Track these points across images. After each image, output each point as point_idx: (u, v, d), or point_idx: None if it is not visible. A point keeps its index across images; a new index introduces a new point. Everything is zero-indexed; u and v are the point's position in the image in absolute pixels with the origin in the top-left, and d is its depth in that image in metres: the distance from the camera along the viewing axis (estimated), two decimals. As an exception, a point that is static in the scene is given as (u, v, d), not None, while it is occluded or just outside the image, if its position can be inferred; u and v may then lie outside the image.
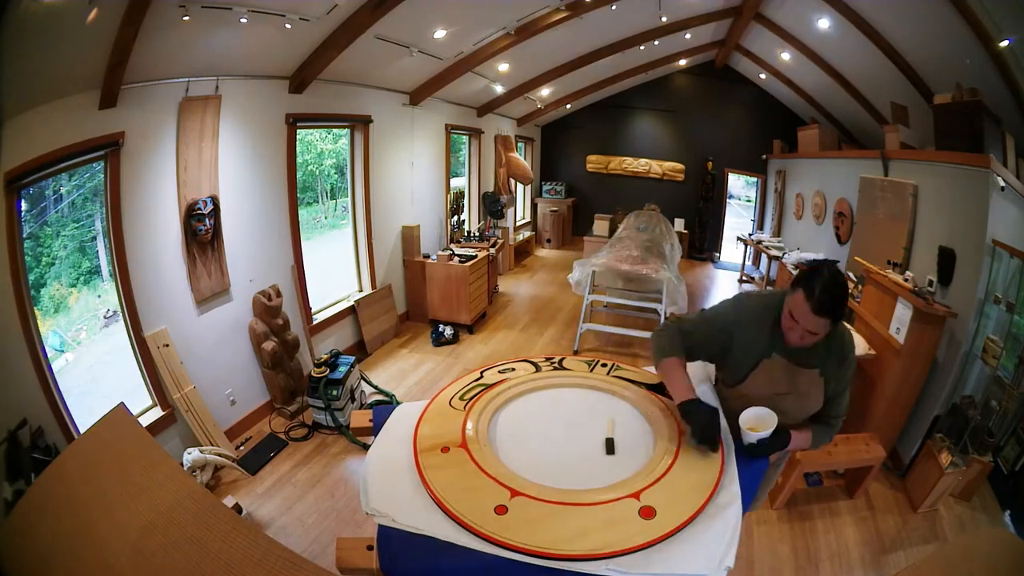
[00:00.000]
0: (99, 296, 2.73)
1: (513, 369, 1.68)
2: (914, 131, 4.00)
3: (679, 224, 8.18)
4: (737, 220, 10.21)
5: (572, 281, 4.86)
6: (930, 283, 3.00)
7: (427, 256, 5.16)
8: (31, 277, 2.26)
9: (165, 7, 2.14)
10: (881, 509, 2.75)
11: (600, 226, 8.02)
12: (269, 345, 3.29)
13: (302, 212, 3.93)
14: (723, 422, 1.37)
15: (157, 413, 2.72)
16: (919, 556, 2.43)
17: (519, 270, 7.71)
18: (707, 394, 1.49)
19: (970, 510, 2.75)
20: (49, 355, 2.24)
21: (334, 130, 5.65)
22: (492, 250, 5.80)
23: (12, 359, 2.02)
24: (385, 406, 1.53)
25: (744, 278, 7.48)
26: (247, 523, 1.17)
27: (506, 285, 6.82)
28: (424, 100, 4.99)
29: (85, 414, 2.25)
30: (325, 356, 3.42)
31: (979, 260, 2.73)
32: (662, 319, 4.52)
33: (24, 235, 2.18)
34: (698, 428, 1.27)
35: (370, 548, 1.05)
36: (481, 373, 1.67)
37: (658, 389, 1.55)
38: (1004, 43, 2.70)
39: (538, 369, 1.68)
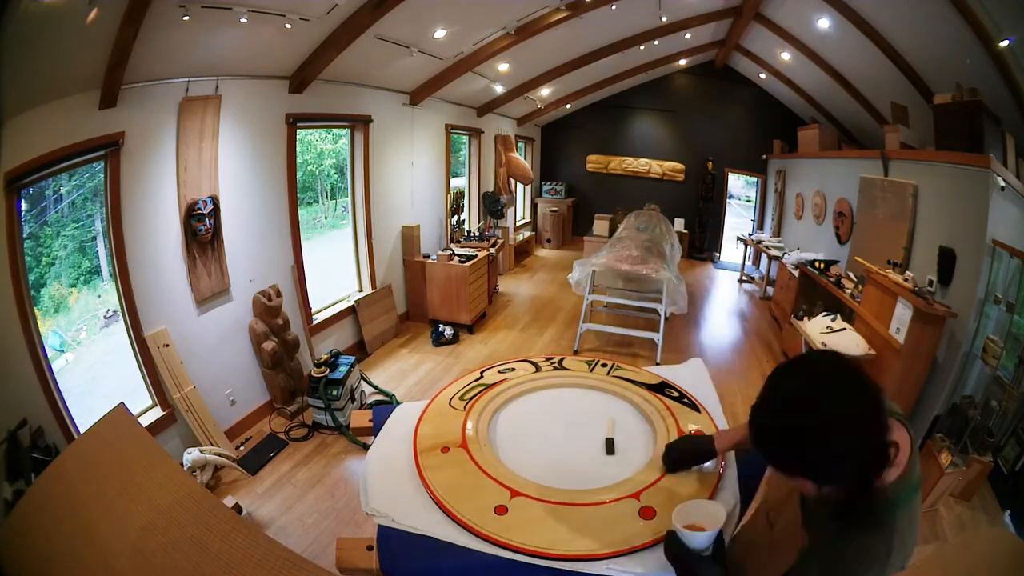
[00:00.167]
0: (99, 296, 2.73)
1: (513, 369, 1.68)
2: (914, 131, 4.00)
3: (679, 224, 8.18)
4: (737, 220, 10.21)
5: (572, 281, 4.86)
6: (930, 283, 3.00)
7: (427, 256, 5.16)
8: (31, 277, 2.26)
9: (165, 7, 2.14)
10: (881, 509, 2.74)
11: (600, 226, 8.02)
12: (269, 345, 3.29)
13: (302, 212, 3.93)
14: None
15: (157, 413, 2.72)
16: (919, 556, 2.42)
17: (519, 270, 7.71)
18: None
19: (970, 510, 2.74)
20: (49, 355, 2.24)
21: (334, 130, 5.65)
22: (492, 250, 5.80)
23: (12, 359, 2.02)
24: (385, 406, 1.53)
25: (744, 278, 7.49)
26: (247, 523, 1.17)
27: (506, 285, 6.82)
28: (424, 100, 4.99)
29: (85, 414, 2.25)
30: (325, 356, 3.42)
31: (979, 260, 2.73)
32: (662, 319, 4.52)
33: (24, 235, 2.18)
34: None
35: (370, 548, 1.05)
36: (481, 373, 1.67)
37: (658, 389, 1.55)
38: (1004, 43, 2.70)
39: (538, 369, 1.68)
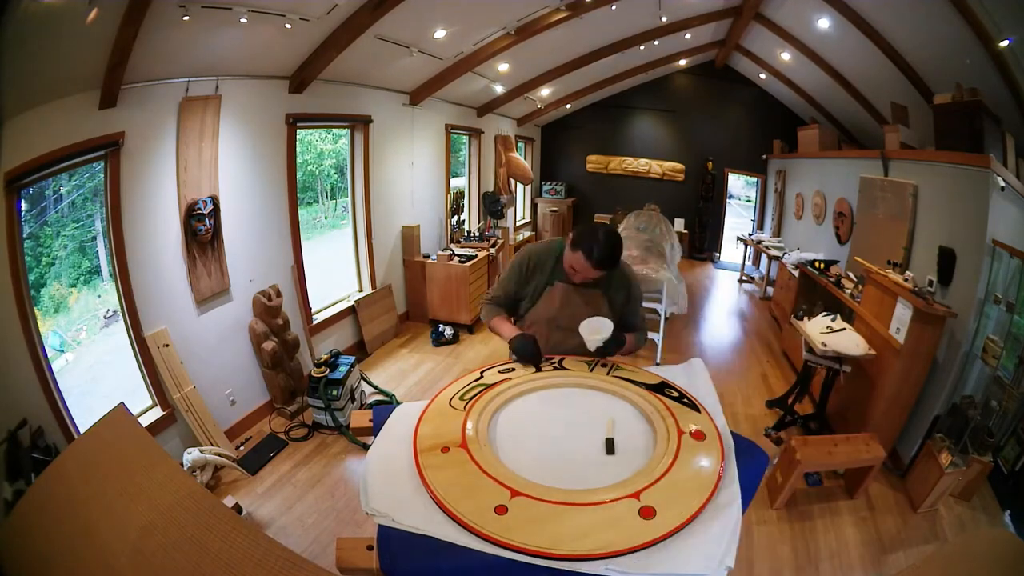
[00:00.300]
0: (99, 296, 2.73)
1: (513, 369, 1.68)
2: (914, 131, 4.00)
3: (679, 224, 8.19)
4: (737, 220, 10.22)
5: (572, 281, 4.86)
6: (930, 283, 3.00)
7: (427, 256, 5.16)
8: (31, 277, 2.26)
9: (165, 7, 2.14)
10: (881, 509, 2.75)
11: (600, 226, 8.01)
12: (269, 345, 3.29)
13: (302, 212, 3.93)
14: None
15: (157, 413, 2.72)
16: (919, 556, 2.43)
17: (519, 270, 7.69)
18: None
19: (970, 510, 2.75)
20: (49, 355, 2.24)
21: (334, 130, 5.65)
22: (492, 250, 5.80)
23: (12, 359, 2.02)
24: (385, 406, 1.53)
25: (744, 278, 7.49)
26: (247, 523, 1.17)
27: (506, 285, 6.81)
28: (424, 100, 4.99)
29: (85, 414, 2.25)
30: (325, 356, 3.42)
31: (979, 260, 2.73)
32: (662, 319, 4.52)
33: (24, 235, 2.18)
34: (518, 350, 1.66)
35: (370, 548, 1.05)
36: (481, 373, 1.66)
37: (658, 389, 1.55)
38: (1004, 43, 2.70)
39: (538, 369, 1.68)
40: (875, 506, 2.77)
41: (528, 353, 1.65)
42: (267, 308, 3.31)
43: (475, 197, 7.04)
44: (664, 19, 5.13)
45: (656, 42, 5.79)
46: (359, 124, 4.29)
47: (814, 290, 4.61)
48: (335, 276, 4.57)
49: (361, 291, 4.63)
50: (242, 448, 3.11)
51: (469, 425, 1.35)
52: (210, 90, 2.83)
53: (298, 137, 3.64)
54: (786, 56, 5.59)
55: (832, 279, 4.20)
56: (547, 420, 1.47)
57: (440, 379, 4.13)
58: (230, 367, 3.21)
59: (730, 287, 7.35)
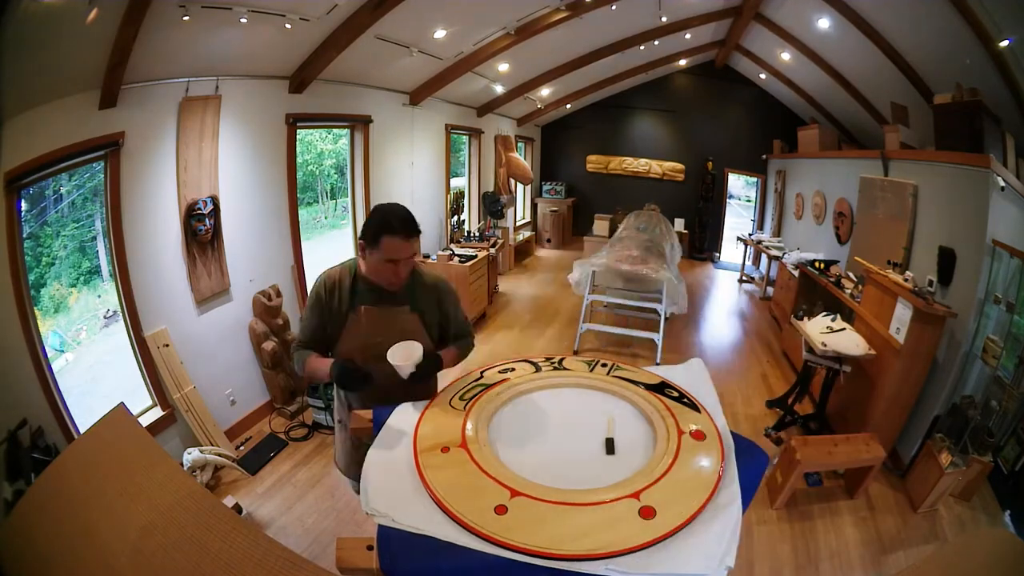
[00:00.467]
0: (99, 296, 2.73)
1: (513, 369, 1.68)
2: (914, 131, 4.00)
3: (679, 224, 8.19)
4: (737, 220, 10.21)
5: (572, 281, 4.86)
6: (930, 283, 3.00)
7: (427, 256, 5.16)
8: (31, 277, 2.26)
9: (165, 7, 2.14)
10: (881, 509, 2.75)
11: (600, 226, 8.03)
12: (269, 345, 3.29)
13: (302, 212, 3.93)
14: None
15: (157, 413, 2.72)
16: (919, 556, 2.43)
17: (519, 270, 7.71)
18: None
19: (970, 510, 2.75)
20: (49, 355, 2.24)
21: (334, 130, 5.65)
22: (492, 250, 5.80)
23: (12, 359, 2.02)
24: (385, 406, 1.53)
25: (744, 278, 7.49)
26: (247, 523, 1.17)
27: (506, 285, 6.82)
28: (424, 100, 4.99)
29: (85, 414, 2.25)
30: (325, 356, 3.42)
31: (979, 260, 2.73)
32: (662, 319, 4.52)
33: (24, 235, 2.18)
34: (340, 378, 1.46)
35: (370, 548, 1.05)
36: (481, 373, 1.67)
37: (658, 389, 1.55)
38: (1004, 43, 2.70)
39: (538, 369, 1.67)
40: (875, 506, 2.77)
41: (353, 379, 1.45)
42: (267, 308, 3.31)
43: (475, 197, 7.04)
44: (664, 19, 5.13)
45: (656, 42, 5.80)
46: (359, 124, 4.29)
47: (814, 290, 4.61)
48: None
49: (361, 291, 4.62)
50: (242, 448, 3.11)
51: (469, 425, 1.35)
52: (210, 90, 2.83)
53: (298, 137, 3.63)
54: (786, 56, 5.59)
55: (832, 279, 4.20)
56: (547, 420, 1.47)
57: (440, 379, 4.11)
58: (230, 367, 3.21)
59: (730, 287, 7.35)
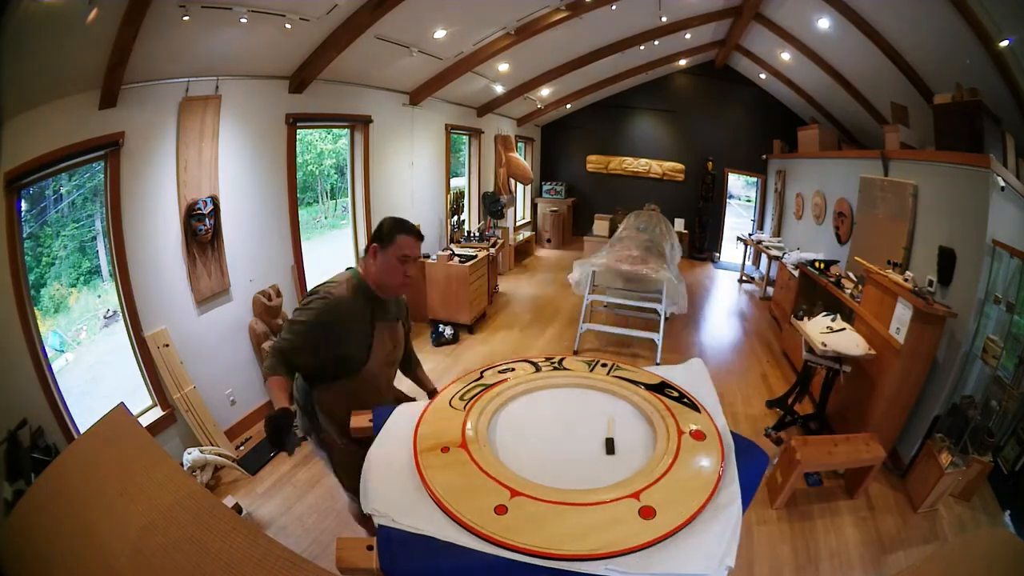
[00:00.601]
0: (99, 296, 2.73)
1: (513, 369, 1.67)
2: (914, 131, 4.00)
3: (679, 224, 8.19)
4: (737, 220, 10.21)
5: (572, 281, 4.86)
6: (930, 283, 3.00)
7: (427, 256, 5.15)
8: (31, 277, 2.26)
9: (165, 7, 2.14)
10: (881, 509, 2.75)
11: (600, 226, 8.03)
12: (269, 345, 3.29)
13: (302, 212, 3.93)
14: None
15: (157, 413, 2.72)
16: (919, 556, 2.43)
17: (519, 270, 7.71)
18: None
19: (970, 510, 2.75)
20: (49, 355, 2.24)
21: (334, 130, 5.65)
22: (492, 250, 5.80)
23: (12, 359, 2.02)
24: (385, 406, 1.53)
25: (744, 278, 7.49)
26: (247, 523, 1.17)
27: (506, 285, 6.82)
28: (424, 100, 4.99)
29: (85, 414, 2.25)
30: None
31: (979, 260, 2.73)
32: (662, 319, 4.52)
33: (24, 235, 2.18)
34: (272, 431, 1.38)
35: (370, 548, 1.05)
36: (481, 373, 1.66)
37: (658, 389, 1.55)
38: (1004, 43, 2.70)
39: (538, 369, 1.67)
40: (875, 506, 2.77)
41: (281, 439, 1.39)
42: (267, 308, 3.31)
43: (475, 197, 7.04)
44: (664, 19, 5.13)
45: (656, 42, 5.80)
46: (359, 124, 4.29)
47: (814, 290, 4.61)
48: (335, 276, 4.56)
49: (361, 291, 4.62)
50: (242, 448, 3.11)
51: (469, 425, 1.35)
52: (210, 90, 2.83)
53: (298, 137, 3.63)
54: (786, 56, 5.59)
55: (832, 279, 4.20)
56: (547, 421, 1.47)
57: (440, 379, 4.10)
58: (230, 367, 3.21)
59: (730, 287, 7.35)
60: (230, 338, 3.20)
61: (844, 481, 2.91)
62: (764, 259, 6.86)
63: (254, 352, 3.35)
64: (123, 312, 2.60)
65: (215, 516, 1.13)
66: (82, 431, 1.75)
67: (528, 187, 9.02)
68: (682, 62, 7.52)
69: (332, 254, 4.92)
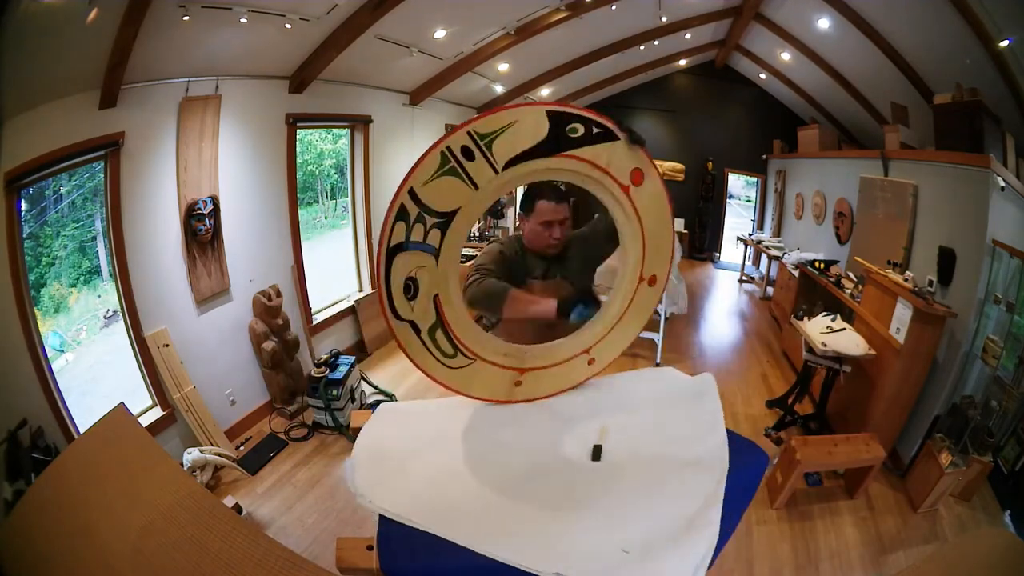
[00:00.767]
0: (99, 296, 2.73)
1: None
2: (914, 131, 4.00)
3: (679, 224, 8.18)
4: (737, 220, 10.20)
5: (572, 281, 4.85)
6: (930, 283, 3.00)
7: (427, 256, 5.15)
8: (31, 277, 2.26)
9: (165, 7, 2.14)
10: (881, 509, 2.75)
11: (600, 226, 8.00)
12: (269, 345, 3.29)
13: (302, 212, 3.93)
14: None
15: (157, 413, 2.72)
16: (919, 556, 2.43)
17: (519, 270, 7.69)
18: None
19: (970, 510, 2.75)
20: (49, 355, 2.24)
21: (334, 130, 5.65)
22: (492, 250, 5.79)
23: (12, 359, 2.02)
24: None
25: (744, 278, 7.49)
26: (247, 523, 1.17)
27: (506, 285, 6.80)
28: (424, 100, 4.99)
29: (85, 414, 2.25)
30: (325, 356, 3.42)
31: (979, 260, 2.73)
32: (662, 319, 4.52)
33: (24, 235, 2.18)
34: (568, 310, 1.42)
35: (370, 548, 1.05)
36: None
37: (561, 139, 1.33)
38: (1004, 43, 2.70)
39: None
40: (875, 506, 2.77)
41: (581, 306, 1.42)
42: (267, 308, 3.31)
43: (475, 197, 7.03)
44: (664, 19, 5.12)
45: (656, 42, 5.79)
46: (359, 124, 4.29)
47: (814, 290, 4.60)
48: (335, 276, 4.57)
49: (361, 291, 4.62)
50: (242, 448, 3.11)
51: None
52: (210, 90, 2.83)
53: (298, 137, 3.64)
54: (786, 56, 5.58)
55: (832, 279, 4.20)
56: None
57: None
58: (230, 367, 3.21)
59: (730, 287, 7.35)
60: (230, 338, 3.20)
61: (844, 481, 2.91)
62: (764, 259, 6.86)
63: (254, 352, 3.35)
64: (123, 312, 2.60)
65: (215, 516, 1.13)
66: (82, 431, 1.74)
67: (528, 187, 9.01)
68: (682, 62, 7.51)
69: (332, 254, 4.92)
